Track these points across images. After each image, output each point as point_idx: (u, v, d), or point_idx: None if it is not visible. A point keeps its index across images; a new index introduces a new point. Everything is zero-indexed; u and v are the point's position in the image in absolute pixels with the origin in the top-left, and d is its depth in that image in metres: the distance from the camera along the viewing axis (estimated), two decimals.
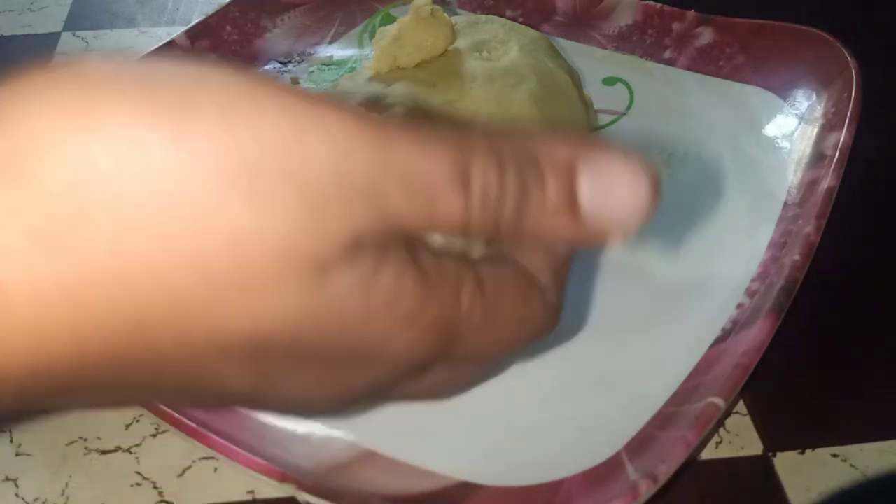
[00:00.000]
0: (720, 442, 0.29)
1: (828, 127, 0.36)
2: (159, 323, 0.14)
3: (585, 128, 0.40)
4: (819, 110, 0.37)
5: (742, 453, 0.29)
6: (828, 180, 0.32)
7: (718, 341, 0.29)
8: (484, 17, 0.42)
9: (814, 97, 0.38)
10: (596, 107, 0.41)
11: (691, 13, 0.44)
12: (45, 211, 0.13)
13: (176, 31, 0.45)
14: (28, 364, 0.14)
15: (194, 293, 0.14)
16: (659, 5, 0.45)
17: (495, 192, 0.16)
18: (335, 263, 0.14)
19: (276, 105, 0.14)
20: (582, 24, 0.46)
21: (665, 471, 0.24)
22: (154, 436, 0.29)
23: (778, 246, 0.32)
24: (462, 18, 0.41)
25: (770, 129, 0.39)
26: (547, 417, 0.28)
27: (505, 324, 0.18)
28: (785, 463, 0.28)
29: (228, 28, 0.46)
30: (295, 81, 0.45)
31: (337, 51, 0.48)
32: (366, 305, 0.15)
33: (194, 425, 0.26)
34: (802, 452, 0.29)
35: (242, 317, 0.14)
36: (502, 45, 0.39)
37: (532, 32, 0.41)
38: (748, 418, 0.30)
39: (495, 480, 0.26)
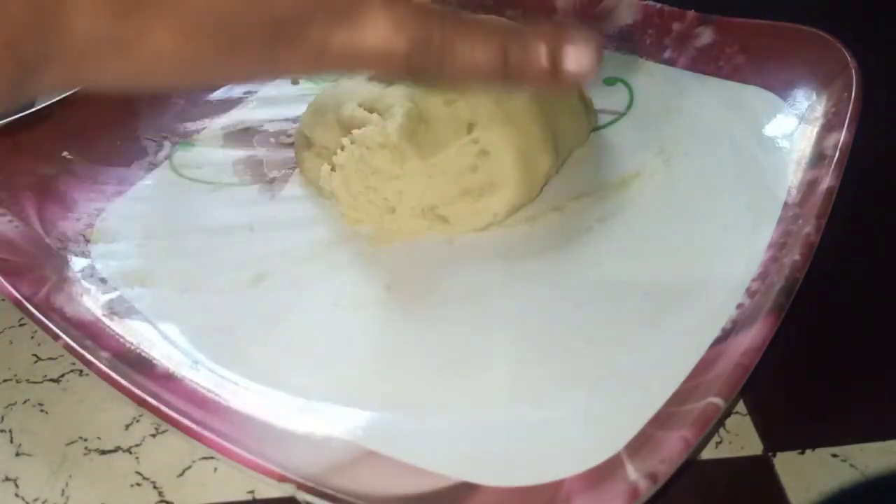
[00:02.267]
0: (720, 442, 0.29)
1: (828, 127, 0.36)
2: None
3: (585, 128, 0.40)
4: (819, 110, 0.37)
5: (742, 453, 0.29)
6: (828, 180, 0.32)
7: (718, 341, 0.29)
8: (484, 16, 0.42)
9: (814, 97, 0.38)
10: (596, 107, 0.41)
11: (691, 13, 0.44)
12: None
13: None
14: None
15: None
16: (659, 5, 0.45)
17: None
18: None
19: None
20: (582, 25, 0.46)
21: (665, 471, 0.24)
22: (154, 436, 0.29)
23: (778, 246, 0.32)
24: None
25: (770, 129, 0.39)
26: (547, 417, 0.28)
27: None
28: (785, 463, 0.28)
29: None
30: (295, 82, 0.45)
31: None
32: None
33: (194, 425, 0.26)
34: (802, 452, 0.29)
35: None
36: None
37: None
38: (748, 418, 0.30)
39: (495, 480, 0.26)
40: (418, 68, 0.23)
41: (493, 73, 0.23)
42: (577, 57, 0.23)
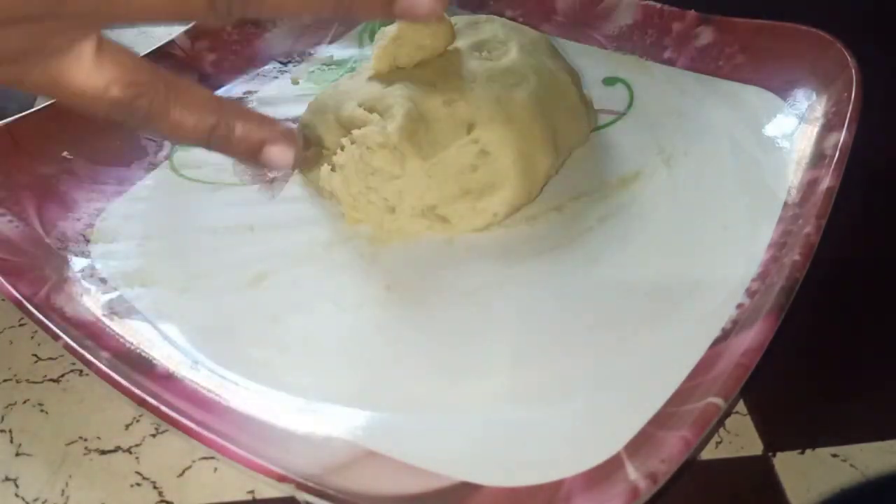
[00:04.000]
0: (720, 442, 0.29)
1: (828, 127, 0.36)
2: None
3: (585, 128, 0.40)
4: (819, 110, 0.37)
5: (742, 453, 0.29)
6: (828, 180, 0.32)
7: (718, 341, 0.29)
8: (484, 17, 0.42)
9: (814, 97, 0.38)
10: (596, 107, 0.41)
11: (691, 13, 0.44)
12: None
13: (176, 32, 0.45)
14: None
15: None
16: (659, 5, 0.45)
17: None
18: None
19: None
20: (582, 24, 0.46)
21: (665, 471, 0.24)
22: (154, 436, 0.29)
23: (778, 246, 0.32)
24: (462, 18, 0.41)
25: (770, 129, 0.39)
26: (547, 417, 0.28)
27: None
28: (785, 463, 0.28)
29: (228, 28, 0.46)
30: (295, 82, 0.45)
31: (337, 51, 0.48)
32: None
33: (194, 425, 0.26)
34: (802, 452, 0.29)
35: None
36: (502, 44, 0.39)
37: (532, 32, 0.41)
38: (748, 418, 0.30)
39: (495, 480, 0.26)
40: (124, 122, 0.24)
41: (201, 138, 0.24)
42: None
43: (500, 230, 0.36)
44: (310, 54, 0.47)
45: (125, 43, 0.23)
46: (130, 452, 0.29)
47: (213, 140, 0.24)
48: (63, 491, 0.28)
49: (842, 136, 0.34)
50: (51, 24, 0.22)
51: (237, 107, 0.25)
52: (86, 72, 0.22)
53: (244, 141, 0.24)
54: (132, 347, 0.31)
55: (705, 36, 0.43)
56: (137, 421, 0.30)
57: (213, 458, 0.28)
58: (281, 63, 0.47)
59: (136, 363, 0.30)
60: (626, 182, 0.38)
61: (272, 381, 0.30)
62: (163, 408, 0.27)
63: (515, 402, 0.29)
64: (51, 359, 0.32)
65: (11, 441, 0.30)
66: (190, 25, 0.45)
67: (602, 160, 0.39)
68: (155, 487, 0.28)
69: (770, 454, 0.29)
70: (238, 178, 0.40)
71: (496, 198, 0.35)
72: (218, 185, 0.39)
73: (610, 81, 0.44)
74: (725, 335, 0.29)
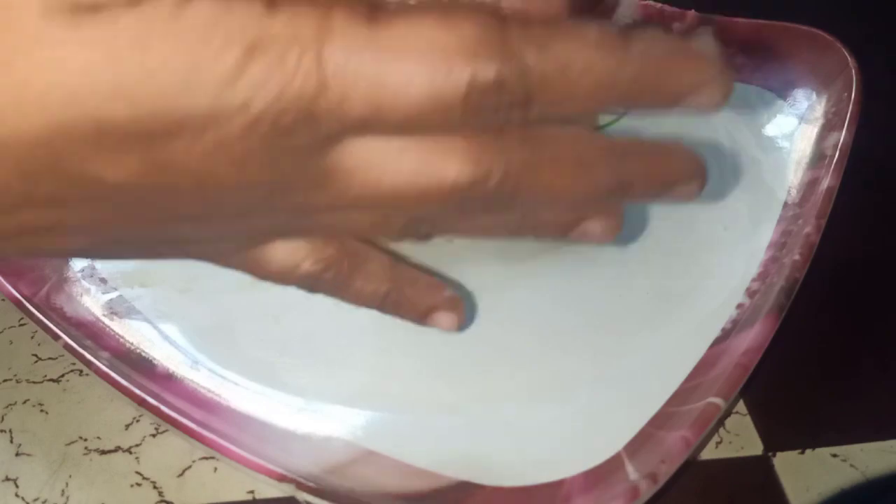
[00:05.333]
0: (720, 442, 0.29)
1: (828, 127, 0.36)
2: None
3: None
4: (819, 110, 0.37)
5: (742, 453, 0.29)
6: (828, 180, 0.32)
7: (718, 341, 0.29)
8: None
9: (814, 97, 0.38)
10: None
11: (691, 13, 0.44)
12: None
13: None
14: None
15: None
16: (659, 5, 0.45)
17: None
18: None
19: None
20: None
21: (665, 471, 0.24)
22: (154, 436, 0.29)
23: (778, 246, 0.32)
24: None
25: (770, 129, 0.39)
26: (547, 417, 0.28)
27: None
28: (785, 463, 0.28)
29: None
30: None
31: None
32: None
33: (194, 425, 0.26)
34: (802, 452, 0.29)
35: None
36: None
37: None
38: (748, 418, 0.30)
39: (495, 480, 0.26)
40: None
41: (374, 304, 0.24)
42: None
43: None
44: None
45: None
46: (130, 452, 0.29)
47: (385, 305, 0.24)
48: (63, 491, 0.28)
49: (842, 136, 0.34)
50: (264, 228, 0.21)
51: (408, 273, 0.25)
52: (282, 255, 0.22)
53: (413, 307, 0.25)
54: (132, 347, 0.31)
55: None
56: (137, 421, 0.30)
57: (213, 458, 0.28)
58: None
59: (136, 363, 0.30)
60: None
61: (272, 381, 0.30)
62: (163, 408, 0.27)
63: (515, 402, 0.29)
64: (51, 359, 0.32)
65: (11, 441, 0.30)
66: None
67: None
68: (155, 487, 0.28)
69: (770, 454, 0.29)
70: None
71: None
72: None
73: None
74: (725, 335, 0.29)
